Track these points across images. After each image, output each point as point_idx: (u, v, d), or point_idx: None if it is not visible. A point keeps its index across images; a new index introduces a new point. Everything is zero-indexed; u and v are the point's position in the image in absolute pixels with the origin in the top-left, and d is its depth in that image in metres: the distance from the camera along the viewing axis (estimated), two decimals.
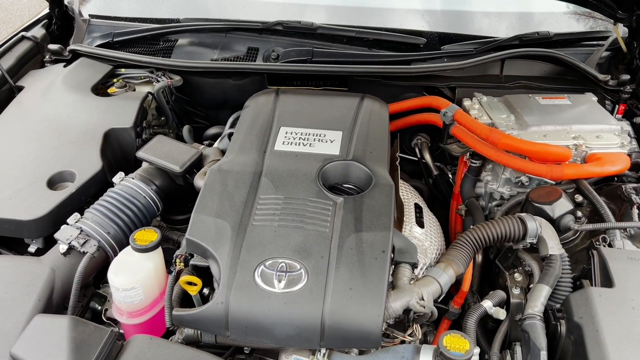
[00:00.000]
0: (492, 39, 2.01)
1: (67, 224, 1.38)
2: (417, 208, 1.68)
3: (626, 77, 1.88)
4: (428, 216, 1.70)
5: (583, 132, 1.66)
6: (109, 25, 2.15)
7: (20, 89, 1.86)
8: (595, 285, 1.26)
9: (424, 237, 1.57)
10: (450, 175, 2.03)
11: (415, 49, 1.99)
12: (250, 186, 1.36)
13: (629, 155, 1.64)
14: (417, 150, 2.07)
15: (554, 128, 1.68)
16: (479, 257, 1.63)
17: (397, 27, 2.05)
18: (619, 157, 1.58)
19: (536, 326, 1.23)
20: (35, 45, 2.01)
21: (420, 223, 1.62)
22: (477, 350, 1.15)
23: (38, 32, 2.07)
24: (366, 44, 2.02)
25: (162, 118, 1.96)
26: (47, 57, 2.03)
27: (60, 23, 2.14)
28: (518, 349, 1.28)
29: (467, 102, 1.84)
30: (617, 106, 1.89)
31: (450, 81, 1.95)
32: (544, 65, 1.99)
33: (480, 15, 2.16)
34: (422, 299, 1.21)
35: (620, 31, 1.95)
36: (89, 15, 2.21)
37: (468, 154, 1.75)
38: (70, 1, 2.18)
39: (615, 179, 1.63)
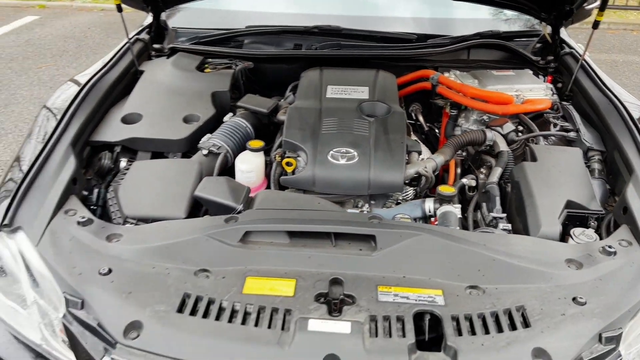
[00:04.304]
0: (461, 36, 2.94)
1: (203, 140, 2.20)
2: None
3: (551, 58, 2.81)
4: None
5: (521, 88, 2.55)
6: (190, 32, 3.04)
7: (141, 72, 2.70)
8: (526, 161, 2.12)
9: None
10: (437, 131, 2.91)
11: (410, 42, 2.91)
12: (317, 114, 2.21)
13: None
14: (413, 115, 2.96)
15: (503, 87, 2.56)
16: (458, 170, 2.49)
17: (397, 30, 2.98)
18: (544, 100, 2.46)
19: (494, 187, 2.05)
20: (145, 45, 2.86)
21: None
22: (458, 205, 1.99)
23: (144, 36, 2.93)
24: (375, 39, 2.93)
25: (235, 92, 2.80)
26: (152, 53, 2.89)
27: (156, 31, 3.01)
28: (484, 204, 2.12)
29: (446, 74, 2.73)
30: (545, 77, 2.79)
31: (433, 63, 2.85)
32: (497, 52, 2.90)
33: (452, 21, 3.12)
34: (426, 168, 2.06)
35: (547, 28, 2.89)
36: (174, 27, 3.10)
37: (448, 104, 2.64)
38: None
39: (544, 115, 2.51)
